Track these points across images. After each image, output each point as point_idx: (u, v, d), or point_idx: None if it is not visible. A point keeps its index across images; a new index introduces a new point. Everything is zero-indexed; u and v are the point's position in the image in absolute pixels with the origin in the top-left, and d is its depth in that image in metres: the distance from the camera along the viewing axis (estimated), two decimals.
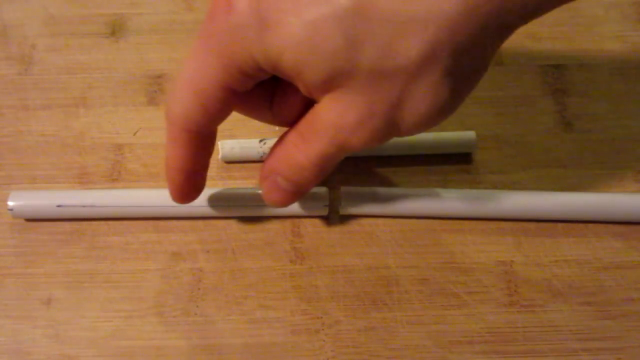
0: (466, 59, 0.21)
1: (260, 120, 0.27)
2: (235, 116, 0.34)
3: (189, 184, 0.26)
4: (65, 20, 0.37)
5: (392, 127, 0.22)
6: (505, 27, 0.21)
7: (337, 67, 0.20)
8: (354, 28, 0.20)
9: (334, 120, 0.22)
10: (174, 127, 0.24)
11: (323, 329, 0.28)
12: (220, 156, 0.32)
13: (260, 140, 0.32)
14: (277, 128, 0.33)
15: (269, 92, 0.26)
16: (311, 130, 0.24)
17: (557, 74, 0.35)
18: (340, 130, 0.22)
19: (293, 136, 0.25)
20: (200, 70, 0.22)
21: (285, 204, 0.26)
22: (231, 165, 0.32)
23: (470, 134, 0.32)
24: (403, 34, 0.20)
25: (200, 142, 0.25)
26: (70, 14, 0.38)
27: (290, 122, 0.26)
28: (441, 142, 0.32)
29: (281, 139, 0.25)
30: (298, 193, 0.26)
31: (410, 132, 0.23)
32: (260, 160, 0.32)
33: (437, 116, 0.22)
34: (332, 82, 0.21)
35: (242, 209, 0.30)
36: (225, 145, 0.32)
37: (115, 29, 0.37)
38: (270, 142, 0.31)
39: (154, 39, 0.37)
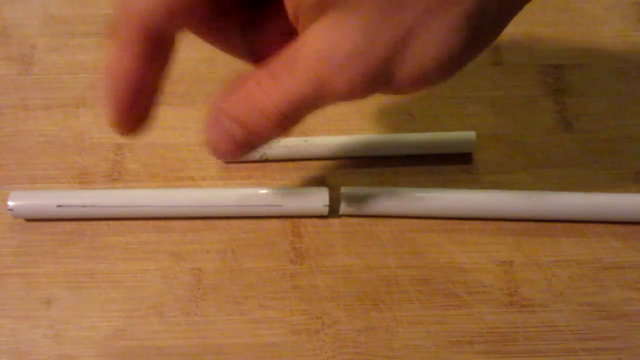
0: (489, 11, 0.18)
1: (231, 54, 0.24)
2: None
3: (131, 102, 0.21)
4: (65, 20, 0.37)
5: (386, 72, 0.19)
6: None
7: None
8: None
9: (321, 50, 0.19)
10: (127, 25, 0.19)
11: (323, 329, 0.28)
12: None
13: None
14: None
15: (244, 17, 0.22)
16: (286, 66, 0.19)
17: (557, 74, 0.35)
18: (325, 64, 0.19)
19: (260, 74, 0.20)
20: None
21: (231, 156, 0.22)
22: (231, 165, 0.32)
23: (471, 134, 0.32)
24: None
25: (154, 48, 0.20)
26: (70, 14, 0.38)
27: (264, 59, 0.21)
28: (441, 142, 0.32)
29: (243, 77, 0.21)
30: (249, 146, 0.21)
31: (402, 86, 0.20)
32: (260, 161, 0.32)
33: (440, 69, 0.19)
34: None
35: (242, 209, 0.30)
36: None
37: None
38: (270, 142, 0.31)
39: None
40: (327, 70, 0.19)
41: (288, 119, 0.20)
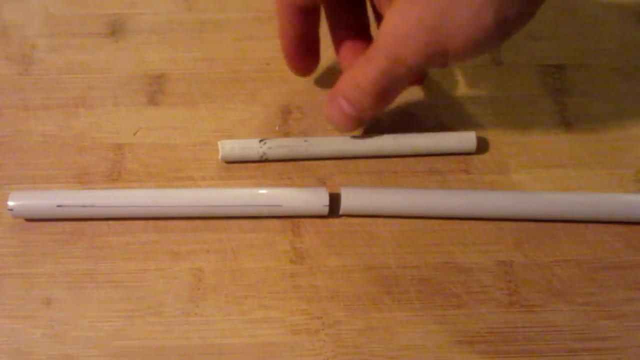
0: None
1: (349, 27, 0.31)
2: (235, 117, 0.34)
3: (301, 50, 0.31)
4: (65, 20, 0.37)
5: (439, 42, 0.24)
6: None
7: None
8: None
9: (390, 32, 0.24)
10: (282, 3, 0.29)
11: (323, 329, 0.28)
12: (220, 156, 0.31)
13: (260, 140, 0.31)
14: (277, 127, 0.33)
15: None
16: (373, 49, 0.26)
17: (557, 74, 0.35)
18: (393, 41, 0.24)
19: (360, 60, 0.27)
20: None
21: (347, 126, 0.29)
22: (231, 165, 0.32)
23: (470, 135, 0.32)
24: None
25: (305, 13, 0.29)
26: (70, 14, 0.38)
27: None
28: (441, 143, 0.32)
29: (352, 65, 0.27)
30: (358, 118, 0.28)
31: (457, 53, 0.24)
32: (260, 160, 0.32)
33: (481, 39, 0.23)
34: None
35: (242, 209, 0.30)
36: (225, 146, 0.31)
37: (115, 29, 0.37)
38: (270, 142, 0.31)
39: (154, 39, 0.37)
40: (395, 47, 0.24)
41: (378, 90, 0.26)
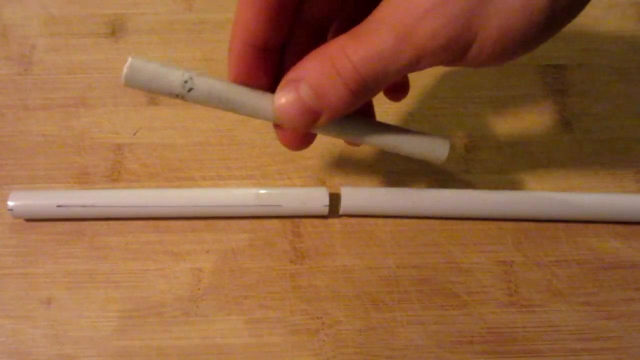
0: None
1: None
2: (235, 117, 0.34)
3: (253, 61, 0.22)
4: (65, 20, 0.37)
5: (469, 27, 0.18)
6: None
7: None
8: None
9: (403, 4, 0.18)
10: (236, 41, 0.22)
11: (323, 329, 0.28)
12: (123, 76, 0.22)
13: (187, 71, 0.22)
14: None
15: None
16: (370, 26, 0.19)
17: (557, 74, 0.35)
18: (408, 14, 0.18)
19: (343, 38, 0.20)
20: None
21: (296, 122, 0.21)
22: (231, 165, 0.32)
23: (443, 142, 0.26)
24: None
25: (276, 8, 0.21)
26: (70, 14, 0.38)
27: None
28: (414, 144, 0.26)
29: (321, 46, 0.21)
30: (316, 114, 0.21)
31: (484, 47, 0.19)
32: (175, 96, 0.23)
33: (522, 33, 0.18)
34: None
35: (242, 209, 0.30)
36: (135, 64, 0.22)
37: (115, 29, 0.37)
38: (200, 79, 0.22)
39: (154, 39, 0.37)
40: (408, 21, 0.18)
41: (363, 84, 0.20)
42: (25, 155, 0.33)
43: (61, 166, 0.32)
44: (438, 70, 0.35)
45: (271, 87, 0.23)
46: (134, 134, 0.33)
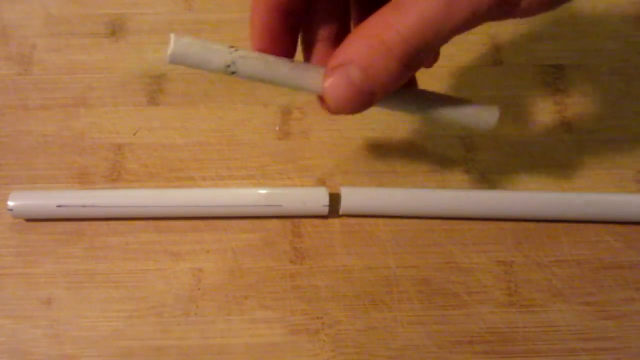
0: None
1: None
2: (235, 117, 0.34)
3: (277, 26, 0.22)
4: (65, 20, 0.37)
5: None
6: None
7: None
8: None
9: None
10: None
11: (323, 329, 0.28)
12: (169, 53, 0.22)
13: (231, 46, 0.22)
14: (276, 127, 0.33)
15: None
16: None
17: (557, 74, 0.35)
18: None
19: (383, 13, 0.19)
20: None
21: (350, 106, 0.21)
22: (231, 165, 0.32)
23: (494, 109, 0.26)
24: None
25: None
26: (70, 14, 0.38)
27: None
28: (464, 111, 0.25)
29: (362, 24, 0.20)
30: (369, 94, 0.20)
31: (530, 5, 0.19)
32: (223, 72, 0.23)
33: None
34: None
35: (242, 209, 0.30)
36: (181, 41, 0.22)
37: (115, 29, 0.37)
38: (245, 52, 0.22)
39: (154, 39, 0.37)
40: None
41: (415, 54, 0.19)
42: (25, 155, 0.33)
43: (61, 166, 0.32)
44: (438, 70, 0.35)
45: (294, 52, 0.23)
46: (134, 134, 0.33)
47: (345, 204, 0.30)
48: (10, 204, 0.30)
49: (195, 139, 0.33)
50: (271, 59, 0.22)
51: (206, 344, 0.28)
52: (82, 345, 0.28)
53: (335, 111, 0.21)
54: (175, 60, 0.22)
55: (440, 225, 0.30)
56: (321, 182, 0.32)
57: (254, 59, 0.22)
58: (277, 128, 0.33)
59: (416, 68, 0.20)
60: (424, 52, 0.19)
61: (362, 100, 0.20)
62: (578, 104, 0.34)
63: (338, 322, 0.28)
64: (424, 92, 0.25)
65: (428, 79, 0.35)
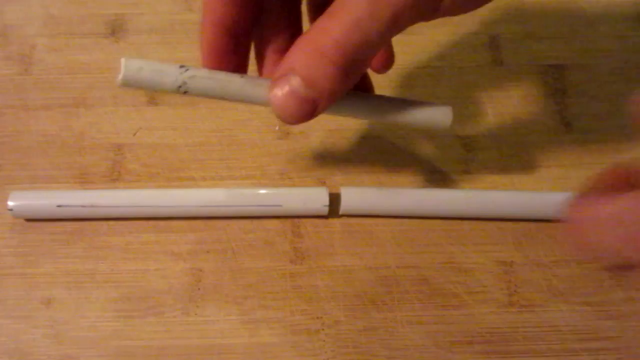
0: None
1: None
2: (235, 117, 0.34)
3: (225, 41, 0.23)
4: (65, 20, 0.37)
5: None
6: None
7: None
8: None
9: None
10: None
11: (323, 329, 0.28)
12: (120, 78, 0.22)
13: (181, 66, 0.23)
14: (277, 127, 0.33)
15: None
16: (343, 1, 0.19)
17: (557, 74, 0.35)
18: None
19: (319, 21, 0.20)
20: None
21: (298, 115, 0.21)
22: (231, 164, 0.32)
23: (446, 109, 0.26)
24: None
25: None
26: (70, 14, 0.38)
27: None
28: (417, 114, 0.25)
29: (303, 33, 0.21)
30: (314, 103, 0.20)
31: (454, 3, 0.19)
32: (176, 92, 0.23)
33: None
34: None
35: (242, 209, 0.30)
36: (131, 65, 0.22)
37: (115, 29, 0.37)
38: (195, 71, 0.23)
39: (154, 39, 0.37)
40: None
41: (349, 57, 0.19)
42: (25, 155, 0.33)
43: (61, 166, 0.32)
44: (438, 70, 0.35)
45: (246, 68, 0.24)
46: (134, 134, 0.33)
47: (345, 204, 0.30)
48: (10, 204, 0.30)
49: (195, 139, 0.33)
50: (221, 76, 0.23)
51: (206, 344, 0.28)
52: (82, 345, 0.28)
53: (284, 121, 0.21)
54: (127, 84, 0.22)
55: (440, 225, 0.30)
56: (321, 182, 0.32)
57: (204, 78, 0.23)
58: (277, 128, 0.33)
59: (356, 73, 0.20)
60: (359, 55, 0.20)
61: (306, 109, 0.20)
62: (578, 104, 0.34)
63: (338, 322, 0.28)
64: (377, 97, 0.25)
65: (428, 79, 0.35)
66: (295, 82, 0.20)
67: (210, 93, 0.23)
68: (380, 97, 0.25)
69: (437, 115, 0.25)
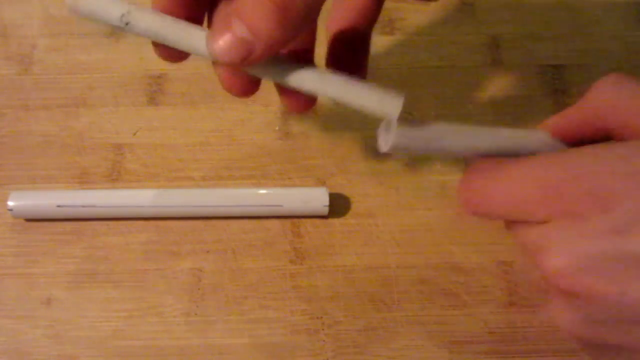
0: None
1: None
2: (235, 117, 0.34)
3: None
4: (65, 20, 0.37)
5: None
6: None
7: None
8: None
9: None
10: None
11: (323, 329, 0.28)
12: (68, 3, 0.23)
13: (126, 5, 0.22)
14: (277, 127, 0.33)
15: None
16: None
17: (557, 74, 0.35)
18: None
19: None
20: None
21: (237, 59, 0.21)
22: (231, 165, 0.32)
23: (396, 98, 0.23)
24: None
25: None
26: (70, 14, 0.38)
27: None
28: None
29: None
30: (249, 45, 0.20)
31: None
32: (119, 27, 0.22)
33: None
34: None
35: (242, 209, 0.30)
36: None
37: (115, 29, 0.37)
38: (137, 14, 0.22)
39: None
40: None
41: (287, 6, 0.20)
42: (25, 155, 0.33)
43: (61, 166, 0.32)
44: (438, 70, 0.35)
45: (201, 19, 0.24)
46: (134, 134, 0.33)
47: (398, 136, 0.23)
48: (10, 204, 0.30)
49: (195, 139, 0.33)
50: (167, 17, 0.22)
51: (206, 344, 0.28)
52: (82, 345, 0.28)
53: (218, 59, 0.21)
54: (75, 8, 0.23)
55: (441, 225, 0.30)
56: (321, 182, 0.32)
57: (150, 12, 0.22)
58: (277, 128, 0.33)
59: (297, 20, 0.20)
60: (297, 5, 0.20)
61: (240, 50, 0.20)
62: None
63: (338, 322, 0.28)
64: (326, 71, 0.24)
65: (428, 79, 0.35)
66: (236, 23, 0.20)
67: (152, 29, 0.22)
68: (329, 72, 0.24)
69: (386, 103, 0.24)
